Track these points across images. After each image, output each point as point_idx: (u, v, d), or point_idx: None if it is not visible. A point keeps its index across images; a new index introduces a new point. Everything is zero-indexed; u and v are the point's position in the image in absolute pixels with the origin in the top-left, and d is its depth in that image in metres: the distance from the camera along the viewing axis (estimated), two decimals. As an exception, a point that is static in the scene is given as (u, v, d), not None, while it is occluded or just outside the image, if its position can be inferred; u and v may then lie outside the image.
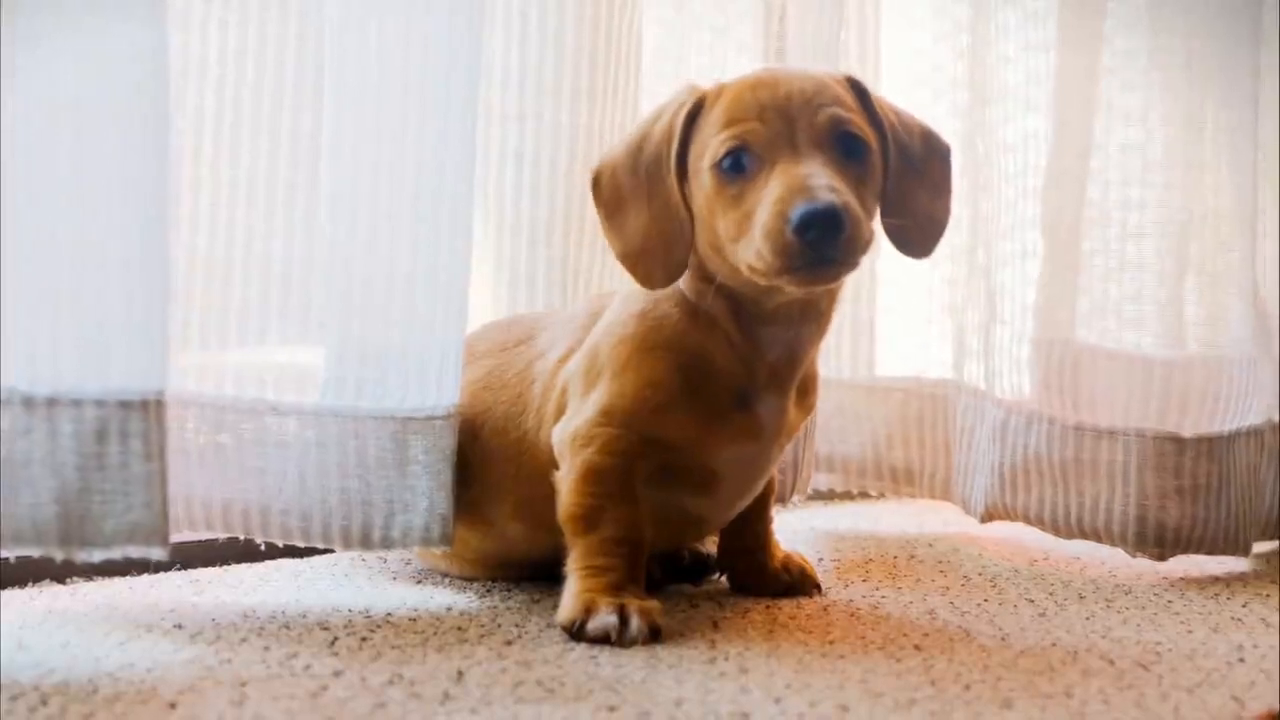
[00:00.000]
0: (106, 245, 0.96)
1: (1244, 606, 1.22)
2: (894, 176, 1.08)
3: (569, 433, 1.09)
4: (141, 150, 0.97)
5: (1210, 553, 1.38)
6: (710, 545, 1.27)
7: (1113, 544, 1.38)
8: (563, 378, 1.13)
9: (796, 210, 0.97)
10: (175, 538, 1.24)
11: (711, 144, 1.04)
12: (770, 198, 0.99)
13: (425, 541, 1.13)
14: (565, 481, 1.09)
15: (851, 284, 1.59)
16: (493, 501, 1.16)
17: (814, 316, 1.10)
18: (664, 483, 1.10)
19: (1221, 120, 1.43)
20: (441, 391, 1.13)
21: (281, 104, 1.15)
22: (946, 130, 1.54)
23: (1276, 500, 1.48)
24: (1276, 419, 1.46)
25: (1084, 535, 1.39)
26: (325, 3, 1.12)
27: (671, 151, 1.06)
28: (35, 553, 0.96)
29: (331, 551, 1.27)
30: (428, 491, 1.13)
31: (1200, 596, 1.26)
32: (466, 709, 0.86)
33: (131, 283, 0.97)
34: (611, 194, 1.10)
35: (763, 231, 0.99)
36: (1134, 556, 1.38)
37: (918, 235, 1.11)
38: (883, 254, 1.60)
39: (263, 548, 1.19)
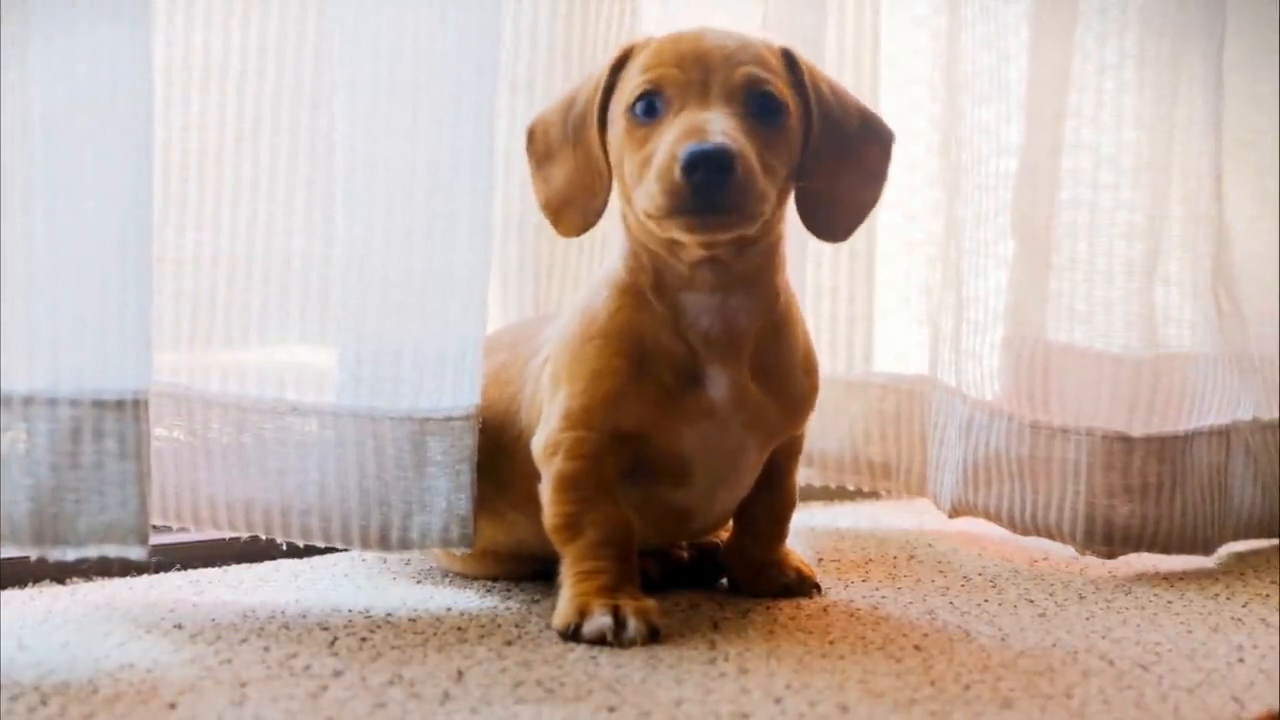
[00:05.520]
0: (86, 245, 0.96)
1: (1244, 606, 1.22)
2: (817, 151, 1.08)
3: (540, 444, 1.09)
4: (123, 150, 0.97)
5: (1165, 552, 1.37)
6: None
7: (1064, 541, 1.38)
8: (542, 382, 1.14)
9: (685, 150, 0.97)
10: (179, 537, 1.25)
11: (628, 88, 1.05)
12: (667, 139, 1.00)
13: (444, 543, 1.13)
14: (544, 493, 1.09)
15: (850, 281, 1.60)
16: (500, 493, 1.16)
17: (740, 283, 1.08)
18: (640, 477, 1.10)
19: (1194, 119, 1.42)
20: (459, 391, 1.13)
21: (300, 101, 1.15)
22: (939, 130, 1.56)
23: (1275, 499, 1.47)
24: (1265, 418, 1.45)
25: (1039, 532, 1.39)
26: None
27: (595, 101, 1.08)
28: (9, 550, 0.96)
29: (332, 551, 1.27)
30: (446, 493, 1.12)
31: (1200, 596, 1.26)
32: (466, 709, 0.86)
33: (111, 283, 0.97)
34: (543, 146, 1.12)
35: (656, 172, 1.00)
36: (1082, 554, 1.38)
37: (835, 216, 1.11)
38: (881, 255, 1.61)
39: (279, 544, 1.18)
